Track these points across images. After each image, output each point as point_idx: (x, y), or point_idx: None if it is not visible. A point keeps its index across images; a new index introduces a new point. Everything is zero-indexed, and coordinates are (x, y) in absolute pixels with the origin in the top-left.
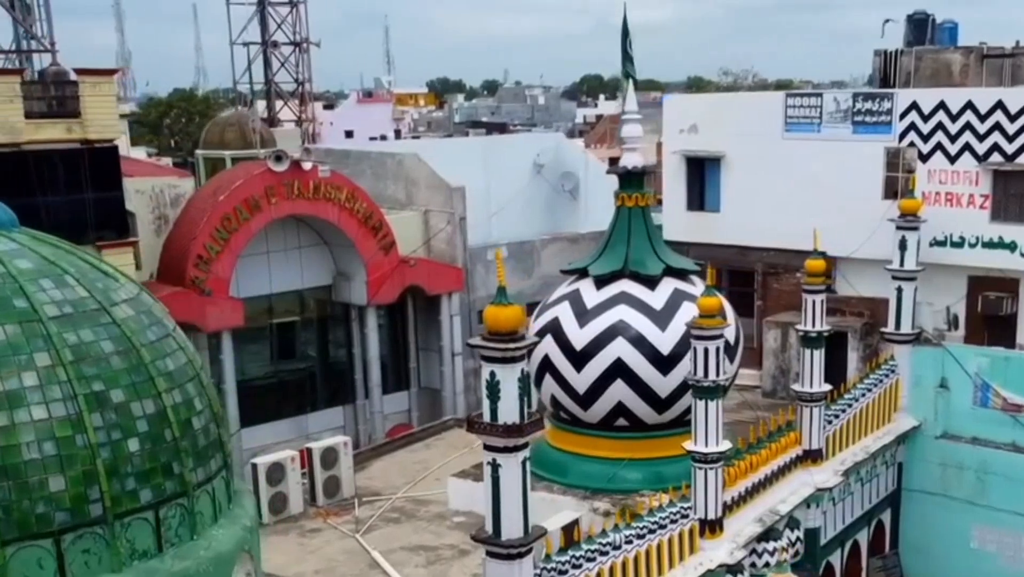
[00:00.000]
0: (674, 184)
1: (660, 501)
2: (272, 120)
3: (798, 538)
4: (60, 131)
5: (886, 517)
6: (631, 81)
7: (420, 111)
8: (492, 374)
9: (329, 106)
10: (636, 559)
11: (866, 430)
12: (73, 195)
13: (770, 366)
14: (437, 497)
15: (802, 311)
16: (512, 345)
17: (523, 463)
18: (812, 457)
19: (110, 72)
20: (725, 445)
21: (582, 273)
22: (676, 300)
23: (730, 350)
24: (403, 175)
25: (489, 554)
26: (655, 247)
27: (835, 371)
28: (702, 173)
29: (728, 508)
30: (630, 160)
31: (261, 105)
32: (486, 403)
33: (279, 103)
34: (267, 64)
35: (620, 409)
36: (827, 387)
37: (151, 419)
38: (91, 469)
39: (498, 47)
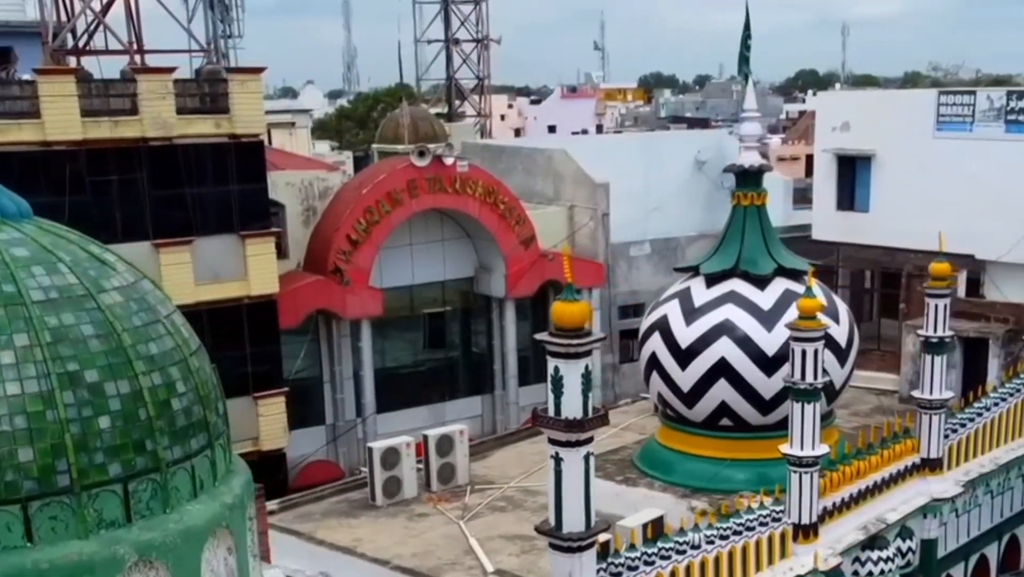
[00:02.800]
0: (824, 183)
1: (751, 502)
2: (451, 115)
3: (910, 548)
4: (209, 126)
5: (1022, 533)
6: (748, 80)
7: (628, 106)
8: (556, 369)
9: (537, 101)
10: (717, 559)
11: (998, 441)
12: (219, 187)
13: (908, 371)
14: (547, 488)
15: (925, 315)
16: (575, 341)
17: (585, 458)
18: (930, 466)
19: (257, 71)
20: (822, 449)
21: (695, 271)
22: (786, 300)
23: (840, 353)
24: (552, 171)
25: (551, 546)
26: (769, 247)
27: (975, 378)
28: (853, 172)
29: (828, 513)
30: (747, 159)
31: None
32: (550, 397)
33: (466, 98)
34: (449, 60)
35: (724, 409)
36: (949, 394)
37: (124, 398)
38: (59, 443)
39: (716, 41)
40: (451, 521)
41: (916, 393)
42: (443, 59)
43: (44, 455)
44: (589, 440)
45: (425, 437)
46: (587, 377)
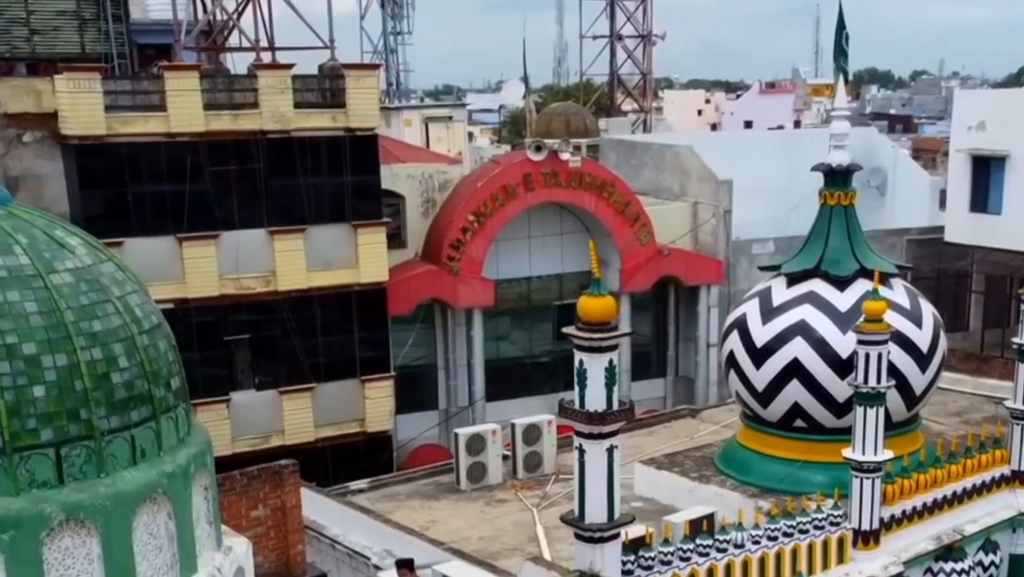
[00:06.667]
0: (958, 183)
1: (806, 505)
2: (610, 110)
3: (993, 562)
4: (325, 120)
5: None
6: (840, 76)
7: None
8: (581, 362)
9: (737, 97)
10: (763, 560)
11: None
12: (333, 178)
13: None
14: (627, 481)
15: (1020, 322)
16: (599, 335)
17: (609, 450)
18: (1021, 479)
19: (374, 67)
20: (886, 454)
21: (778, 270)
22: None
23: (921, 358)
24: (679, 167)
25: (575, 536)
26: (854, 247)
27: None
28: (987, 173)
29: (896, 521)
30: (835, 157)
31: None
32: (576, 390)
33: (629, 93)
34: (613, 55)
35: (797, 410)
36: None
37: (61, 370)
38: None
39: (940, 36)
40: (527, 508)
41: (1008, 403)
42: (607, 55)
43: None
44: (613, 433)
45: (512, 425)
46: (611, 371)
